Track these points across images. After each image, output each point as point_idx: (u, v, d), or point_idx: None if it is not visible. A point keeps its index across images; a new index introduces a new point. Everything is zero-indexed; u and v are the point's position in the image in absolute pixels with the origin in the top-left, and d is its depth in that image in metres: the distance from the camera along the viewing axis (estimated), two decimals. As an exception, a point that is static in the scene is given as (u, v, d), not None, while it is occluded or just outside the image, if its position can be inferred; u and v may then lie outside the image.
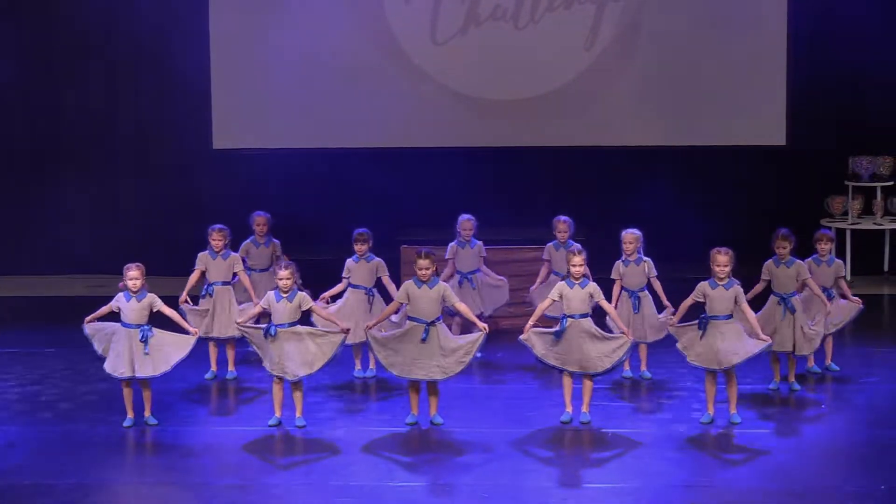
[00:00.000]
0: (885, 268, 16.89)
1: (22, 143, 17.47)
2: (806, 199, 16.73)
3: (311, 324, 11.73)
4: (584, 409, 11.50)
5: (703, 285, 11.43)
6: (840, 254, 16.57)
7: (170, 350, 11.47)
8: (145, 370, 11.41)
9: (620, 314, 12.40)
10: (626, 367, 12.75)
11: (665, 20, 16.65)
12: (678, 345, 11.53)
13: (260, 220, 13.57)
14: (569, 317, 11.32)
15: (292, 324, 11.35)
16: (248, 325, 11.53)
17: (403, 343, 11.37)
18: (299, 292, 11.47)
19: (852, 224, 16.63)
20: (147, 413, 11.58)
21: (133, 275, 11.41)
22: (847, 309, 12.72)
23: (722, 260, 11.39)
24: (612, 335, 11.50)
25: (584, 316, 11.33)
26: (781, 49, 16.56)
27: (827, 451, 10.89)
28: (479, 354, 12.88)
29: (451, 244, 13.56)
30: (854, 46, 16.61)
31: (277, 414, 11.51)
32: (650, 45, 16.71)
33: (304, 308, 11.42)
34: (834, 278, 12.66)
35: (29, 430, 11.52)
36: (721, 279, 11.37)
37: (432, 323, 11.34)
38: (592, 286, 11.46)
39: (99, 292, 13.02)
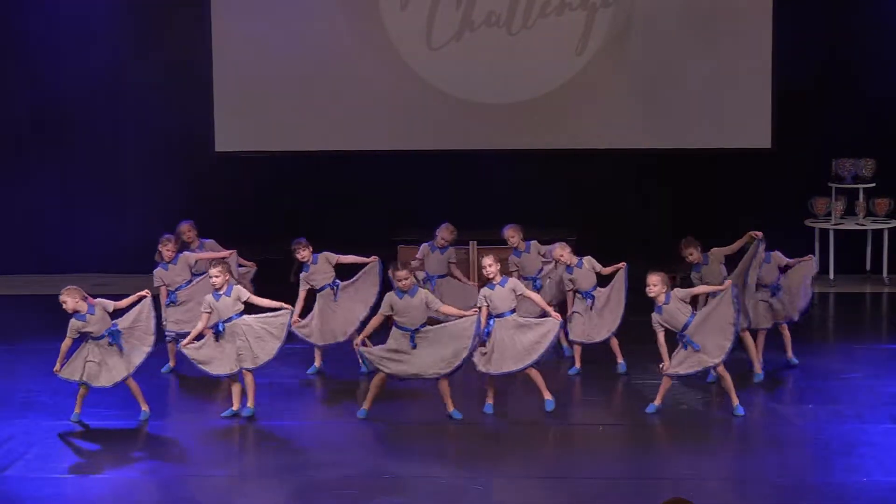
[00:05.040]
0: (868, 267, 17.06)
1: (27, 144, 17.62)
2: (790, 200, 16.90)
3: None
4: (547, 396, 11.72)
5: (654, 317, 11.58)
6: (823, 253, 16.83)
7: (142, 328, 11.64)
8: (125, 370, 11.56)
9: (581, 317, 12.76)
10: (620, 360, 12.94)
11: (653, 26, 16.79)
12: (680, 373, 11.65)
13: (185, 228, 13.63)
14: (496, 317, 11.57)
15: (239, 315, 11.59)
16: (191, 346, 11.67)
17: (398, 352, 11.54)
18: (235, 286, 11.69)
19: (835, 224, 16.77)
20: (144, 407, 11.73)
21: (63, 299, 11.44)
22: (801, 269, 12.86)
23: (650, 280, 11.53)
24: (540, 320, 11.71)
25: (511, 313, 11.60)
26: (767, 55, 16.70)
27: (811, 445, 11.04)
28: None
29: (424, 245, 13.76)
30: (837, 52, 16.80)
31: (235, 407, 11.74)
32: (639, 51, 16.84)
33: (242, 299, 11.62)
34: (777, 267, 12.81)
35: (25, 425, 11.74)
36: (656, 297, 11.54)
37: (417, 330, 11.54)
38: (512, 281, 11.74)
39: (102, 291, 13.20)
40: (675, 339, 11.60)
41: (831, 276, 16.80)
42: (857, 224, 16.87)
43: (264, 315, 11.75)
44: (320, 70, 16.96)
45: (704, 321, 11.58)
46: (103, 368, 11.56)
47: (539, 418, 11.80)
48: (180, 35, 17.15)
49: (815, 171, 16.90)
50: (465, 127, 16.94)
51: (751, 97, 16.79)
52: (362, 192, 16.92)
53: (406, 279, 11.56)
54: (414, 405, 12.18)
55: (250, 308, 11.87)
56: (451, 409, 11.68)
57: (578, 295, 12.84)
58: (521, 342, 11.58)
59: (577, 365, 13.00)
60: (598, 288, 12.86)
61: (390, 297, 11.63)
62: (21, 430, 11.60)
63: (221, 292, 11.63)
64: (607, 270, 12.83)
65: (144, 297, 11.75)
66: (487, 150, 16.98)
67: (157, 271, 13.12)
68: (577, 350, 13.00)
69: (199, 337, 11.78)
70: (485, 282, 12.33)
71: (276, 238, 14.17)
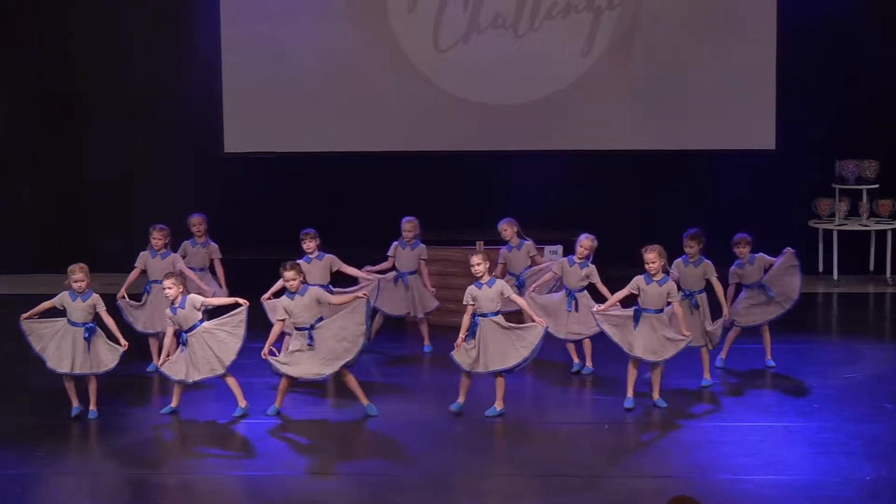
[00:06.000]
0: (871, 267, 17.17)
1: (35, 143, 17.70)
2: (794, 200, 17.01)
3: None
4: (499, 406, 11.77)
5: (639, 279, 11.84)
6: (827, 254, 16.96)
7: (103, 354, 11.78)
8: (85, 367, 11.73)
9: (555, 309, 12.81)
10: (576, 359, 13.03)
11: (658, 28, 16.88)
12: (610, 333, 11.86)
13: (196, 220, 13.85)
14: (480, 316, 11.63)
15: (200, 322, 11.71)
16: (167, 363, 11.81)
17: (298, 353, 11.66)
18: (188, 296, 11.78)
19: (839, 225, 16.87)
20: (92, 406, 11.85)
21: (78, 276, 11.71)
22: (785, 263, 12.95)
23: (648, 257, 11.79)
24: (526, 325, 11.76)
25: (495, 314, 11.66)
26: (771, 56, 16.78)
27: (814, 443, 11.08)
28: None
29: (394, 243, 13.83)
30: (841, 53, 16.90)
31: (174, 403, 11.89)
32: (644, 52, 16.92)
33: (197, 307, 11.73)
34: (760, 271, 12.93)
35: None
36: (653, 275, 11.78)
37: (313, 326, 11.65)
38: (500, 283, 11.77)
39: (111, 291, 13.34)
40: (634, 308, 11.83)
41: (835, 276, 16.91)
42: (861, 225, 16.98)
43: (221, 317, 11.83)
44: (329, 72, 17.05)
45: (661, 328, 11.77)
46: (63, 352, 11.71)
47: (544, 417, 11.94)
48: (190, 37, 17.23)
49: (819, 172, 16.99)
50: (471, 128, 17.02)
51: (755, 99, 16.87)
52: (370, 192, 16.99)
53: (294, 280, 11.66)
54: (414, 403, 12.28)
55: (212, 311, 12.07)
56: (365, 403, 11.81)
57: (564, 290, 12.95)
58: (506, 342, 11.63)
59: (577, 360, 13.09)
60: (586, 292, 12.91)
61: (282, 300, 11.75)
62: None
63: (176, 305, 11.75)
64: (604, 290, 12.71)
65: (124, 346, 11.83)
66: (494, 151, 17.07)
67: (143, 254, 13.33)
68: (572, 347, 13.07)
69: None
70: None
71: (284, 239, 14.21)
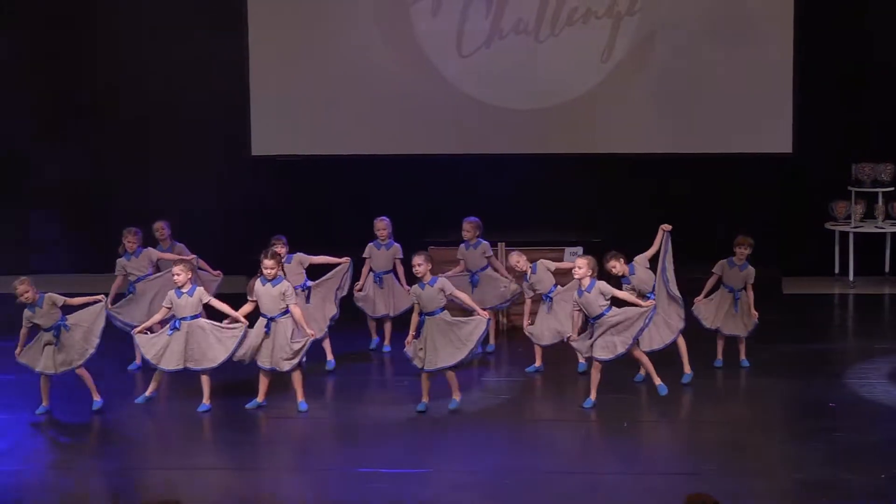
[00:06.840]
0: (886, 269, 17.29)
1: (61, 141, 17.83)
2: (811, 203, 17.14)
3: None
4: (456, 396, 12.04)
5: (574, 296, 11.99)
6: (843, 256, 17.06)
7: (92, 327, 11.97)
8: (72, 359, 11.92)
9: (542, 321, 12.97)
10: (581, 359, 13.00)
11: (676, 33, 16.95)
12: (581, 352, 12.10)
13: (158, 225, 14.01)
14: (427, 315, 11.87)
15: (194, 317, 11.95)
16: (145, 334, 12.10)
17: (252, 336, 11.97)
18: (198, 287, 12.05)
19: (855, 227, 16.98)
20: (96, 396, 12.08)
21: (22, 290, 11.81)
22: (744, 321, 13.10)
23: (577, 262, 11.97)
24: (468, 319, 11.95)
25: (441, 311, 11.89)
26: (788, 61, 16.81)
27: (828, 441, 11.13)
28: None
29: (369, 244, 14.00)
30: (857, 57, 17.02)
31: (148, 393, 12.20)
32: (663, 58, 16.99)
33: (203, 301, 11.99)
34: (744, 283, 13.05)
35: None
36: (583, 286, 11.86)
37: (274, 319, 11.95)
38: (441, 281, 11.97)
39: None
40: (588, 323, 11.93)
41: (851, 277, 17.04)
42: (877, 227, 17.10)
43: (220, 324, 12.06)
44: (354, 76, 17.18)
45: (617, 323, 11.90)
46: (57, 355, 11.90)
47: (558, 415, 12.07)
48: (218, 42, 17.33)
49: (836, 175, 17.08)
50: (493, 131, 17.12)
51: (772, 103, 16.90)
52: (394, 194, 17.02)
53: (272, 269, 11.93)
54: (412, 400, 12.37)
55: (211, 312, 12.22)
56: (300, 398, 12.10)
57: (542, 301, 13.07)
58: (451, 339, 11.83)
59: (538, 363, 13.23)
60: (558, 287, 13.05)
61: (256, 281, 12.03)
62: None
63: (184, 291, 11.97)
64: (559, 265, 13.07)
65: (99, 300, 12.06)
66: (515, 154, 17.16)
67: (120, 260, 13.53)
68: (539, 350, 13.18)
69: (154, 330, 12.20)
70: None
71: (309, 241, 14.39)
